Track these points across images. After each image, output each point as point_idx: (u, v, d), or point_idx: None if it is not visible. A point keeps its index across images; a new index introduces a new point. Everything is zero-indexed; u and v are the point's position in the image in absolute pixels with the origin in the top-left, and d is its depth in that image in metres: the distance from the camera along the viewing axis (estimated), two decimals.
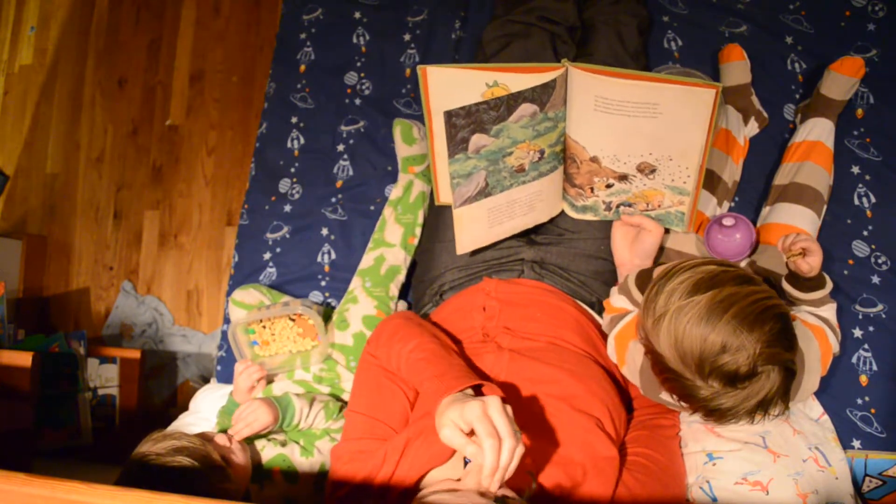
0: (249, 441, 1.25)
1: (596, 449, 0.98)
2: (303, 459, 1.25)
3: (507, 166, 1.17)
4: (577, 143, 1.18)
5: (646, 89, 1.04)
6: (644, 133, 1.11)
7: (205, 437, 1.14)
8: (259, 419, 1.21)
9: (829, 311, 1.16)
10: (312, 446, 1.27)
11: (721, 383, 0.90)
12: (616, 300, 1.21)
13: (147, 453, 1.06)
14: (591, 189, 1.25)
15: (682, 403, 0.99)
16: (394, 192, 1.54)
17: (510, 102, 1.08)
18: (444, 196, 1.33)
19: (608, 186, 1.23)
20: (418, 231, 1.49)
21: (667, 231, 1.30)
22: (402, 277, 1.48)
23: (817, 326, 1.12)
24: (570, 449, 0.98)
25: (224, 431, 1.22)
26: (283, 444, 1.26)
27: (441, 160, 1.24)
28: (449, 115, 1.05)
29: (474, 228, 1.24)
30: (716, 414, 0.95)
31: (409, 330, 1.12)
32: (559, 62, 1.07)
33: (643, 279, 1.15)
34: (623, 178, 1.20)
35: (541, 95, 1.09)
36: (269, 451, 1.24)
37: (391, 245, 1.48)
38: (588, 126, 1.14)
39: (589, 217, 1.33)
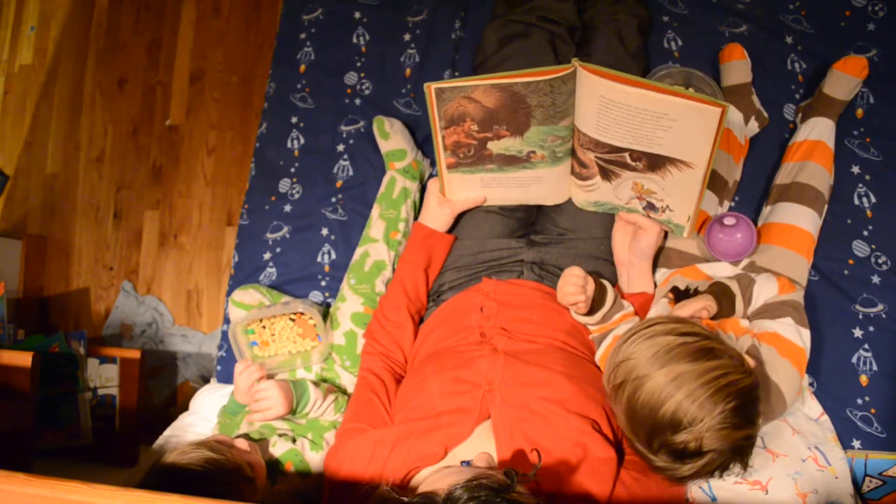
0: (262, 436, 1.25)
1: (592, 451, 0.99)
2: (314, 454, 1.25)
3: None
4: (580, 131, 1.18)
5: (655, 101, 1.02)
6: (645, 135, 1.10)
7: (227, 445, 1.12)
8: (273, 408, 1.21)
9: (785, 323, 1.15)
10: (321, 439, 1.27)
11: (670, 459, 0.92)
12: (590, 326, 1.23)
13: (177, 463, 1.02)
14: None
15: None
16: (379, 189, 1.56)
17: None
18: (448, 191, 1.36)
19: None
20: (401, 226, 1.50)
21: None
22: (388, 273, 1.47)
23: (778, 336, 1.12)
24: (566, 452, 0.98)
25: (245, 436, 1.21)
26: (294, 440, 1.26)
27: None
28: (440, 90, 1.13)
29: (464, 184, 1.33)
30: (675, 480, 0.96)
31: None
32: (559, 63, 1.07)
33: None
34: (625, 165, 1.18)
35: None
36: (280, 447, 1.24)
37: (375, 241, 1.48)
38: (593, 120, 1.13)
39: (593, 205, 1.31)
